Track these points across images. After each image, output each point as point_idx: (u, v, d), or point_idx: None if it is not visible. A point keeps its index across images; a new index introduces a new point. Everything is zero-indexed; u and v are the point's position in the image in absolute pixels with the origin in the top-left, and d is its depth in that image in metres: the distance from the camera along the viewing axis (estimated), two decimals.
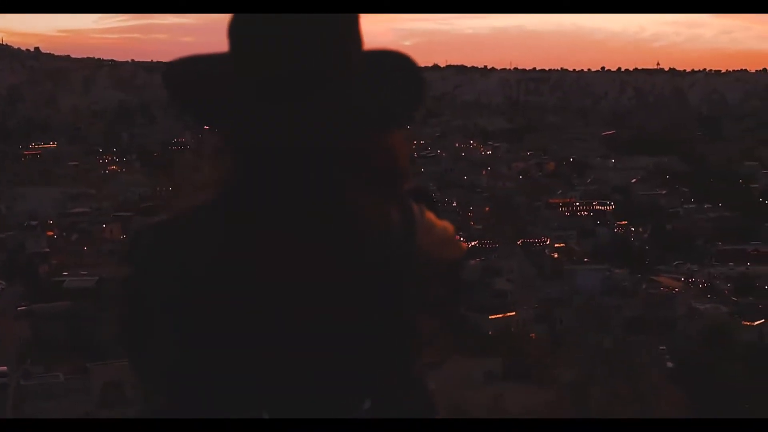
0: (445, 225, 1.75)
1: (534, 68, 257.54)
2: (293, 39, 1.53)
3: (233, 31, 1.59)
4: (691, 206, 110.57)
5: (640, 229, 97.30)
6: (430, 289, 1.64)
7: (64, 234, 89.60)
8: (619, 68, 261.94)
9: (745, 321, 63.56)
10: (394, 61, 1.63)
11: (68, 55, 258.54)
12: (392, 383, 1.60)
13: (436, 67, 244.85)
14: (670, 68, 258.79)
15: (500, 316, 58.78)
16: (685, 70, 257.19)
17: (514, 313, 60.50)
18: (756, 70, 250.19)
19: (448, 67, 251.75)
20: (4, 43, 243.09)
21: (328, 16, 1.55)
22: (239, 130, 1.57)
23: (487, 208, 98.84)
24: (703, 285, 79.96)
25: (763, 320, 64.51)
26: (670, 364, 53.58)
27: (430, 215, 1.70)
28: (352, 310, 1.57)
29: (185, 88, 1.63)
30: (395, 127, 1.62)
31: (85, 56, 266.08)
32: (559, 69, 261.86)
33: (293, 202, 1.56)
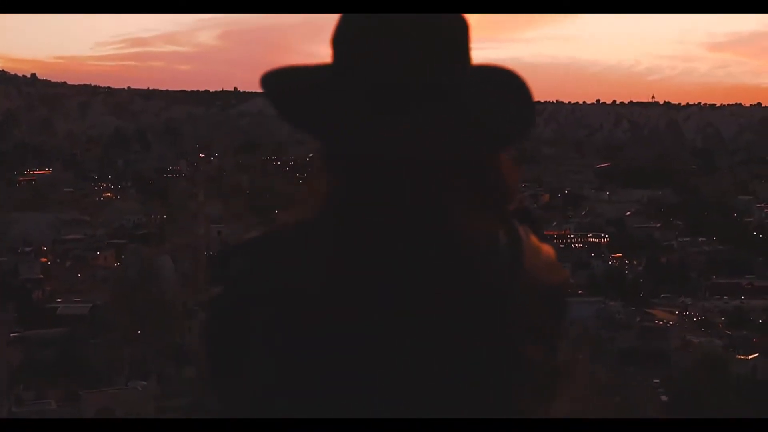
0: (548, 249, 1.66)
1: None
2: (405, 48, 1.47)
3: (342, 38, 1.53)
4: (685, 239, 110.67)
5: (635, 262, 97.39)
6: (536, 316, 1.56)
7: (58, 260, 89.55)
8: (614, 101, 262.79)
9: (739, 355, 63.51)
10: (505, 78, 1.57)
11: (64, 82, 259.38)
12: (496, 412, 1.52)
13: None
14: (665, 101, 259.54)
15: None
16: (679, 104, 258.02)
17: None
18: (750, 105, 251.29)
19: None
20: (0, 69, 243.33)
21: (439, 25, 1.49)
22: (347, 141, 1.48)
23: None
24: (697, 318, 79.95)
25: (757, 354, 64.42)
26: (664, 398, 53.51)
27: (535, 238, 1.63)
28: (459, 336, 1.49)
29: (290, 97, 1.53)
30: (505, 147, 1.56)
31: (81, 83, 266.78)
32: (555, 101, 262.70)
33: (400, 220, 1.49)
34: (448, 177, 1.49)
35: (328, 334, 1.46)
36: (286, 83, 1.54)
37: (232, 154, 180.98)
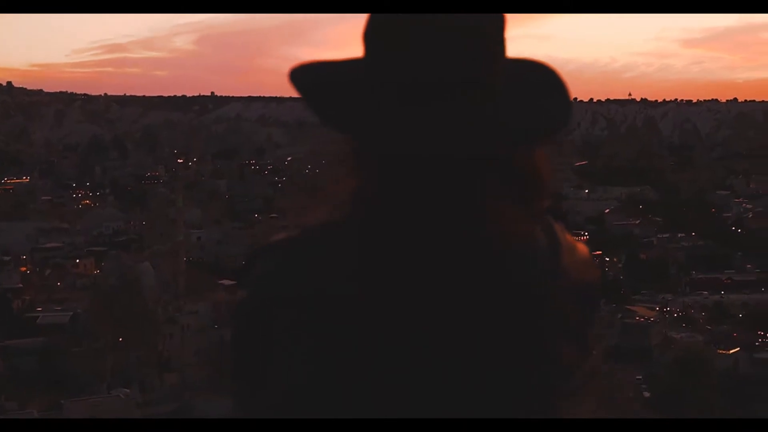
0: (582, 246, 1.62)
1: None
2: (439, 41, 1.43)
3: (374, 33, 1.48)
4: (664, 235, 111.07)
5: (615, 259, 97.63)
6: (572, 315, 1.54)
7: (38, 269, 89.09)
8: (591, 99, 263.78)
9: (720, 350, 63.79)
10: (541, 73, 1.53)
11: (41, 89, 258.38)
12: (532, 411, 1.50)
13: None
14: (641, 99, 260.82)
15: None
16: (656, 101, 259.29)
17: None
18: (726, 100, 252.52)
19: None
20: None
21: (473, 18, 1.46)
22: (379, 137, 1.44)
23: None
24: (677, 314, 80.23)
25: (738, 349, 64.74)
26: (646, 394, 53.68)
27: (569, 235, 1.59)
28: (497, 337, 1.46)
29: (321, 92, 1.49)
30: (541, 143, 1.52)
31: (57, 90, 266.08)
32: None
33: (436, 218, 1.45)
34: (484, 173, 1.47)
35: (360, 338, 1.42)
36: (316, 78, 1.50)
37: (210, 159, 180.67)
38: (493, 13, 1.49)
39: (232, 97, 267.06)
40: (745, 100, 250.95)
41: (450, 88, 1.43)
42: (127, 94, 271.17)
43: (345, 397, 1.42)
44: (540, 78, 1.53)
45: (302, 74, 1.50)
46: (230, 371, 1.54)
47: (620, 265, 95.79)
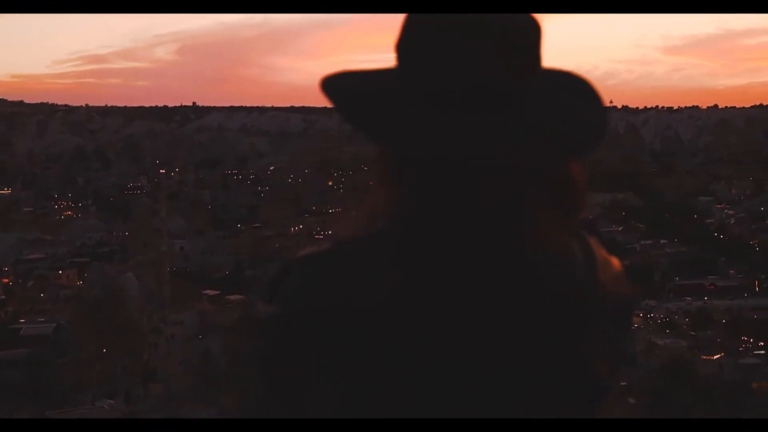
0: (616, 261, 1.60)
1: None
2: (475, 50, 1.41)
3: (409, 41, 1.46)
4: (647, 242, 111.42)
5: None
6: (607, 331, 1.52)
7: (20, 280, 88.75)
8: None
9: (704, 355, 63.99)
10: (577, 84, 1.51)
11: (21, 100, 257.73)
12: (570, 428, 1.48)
13: None
14: (623, 106, 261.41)
15: None
16: (638, 108, 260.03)
17: None
18: (707, 107, 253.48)
19: None
20: None
21: (510, 25, 1.44)
22: (416, 147, 1.40)
23: None
24: (661, 320, 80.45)
25: (721, 354, 64.95)
26: (631, 400, 53.73)
27: (603, 250, 1.57)
28: (534, 352, 1.44)
29: (356, 101, 1.46)
30: (578, 156, 1.49)
31: (38, 101, 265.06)
32: None
33: (475, 228, 1.42)
34: (523, 185, 1.44)
35: (400, 353, 1.38)
36: (349, 86, 1.47)
37: (193, 168, 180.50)
38: (532, 21, 1.46)
39: (214, 107, 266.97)
40: (726, 107, 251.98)
41: (489, 97, 1.41)
42: (109, 105, 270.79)
43: (391, 412, 1.39)
44: (576, 89, 1.51)
45: (334, 83, 1.47)
46: (256, 388, 1.48)
47: None
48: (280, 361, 1.43)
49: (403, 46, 1.47)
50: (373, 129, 1.43)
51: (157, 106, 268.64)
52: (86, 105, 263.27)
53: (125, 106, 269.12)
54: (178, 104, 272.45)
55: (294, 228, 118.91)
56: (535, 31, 1.46)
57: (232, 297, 74.19)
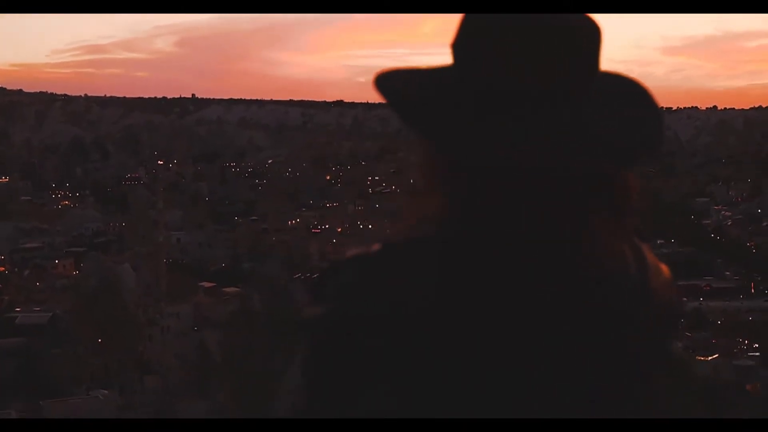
0: (665, 267, 1.60)
1: None
2: (533, 51, 1.40)
3: (465, 41, 1.45)
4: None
5: None
6: (657, 337, 1.52)
7: (17, 269, 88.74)
8: None
9: (699, 356, 63.98)
10: (634, 90, 1.49)
11: (20, 90, 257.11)
12: None
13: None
14: None
15: None
16: None
17: None
18: (706, 108, 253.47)
19: None
20: None
21: (569, 27, 1.42)
22: (471, 148, 1.38)
23: None
24: None
25: (716, 355, 64.96)
26: None
27: (653, 257, 1.56)
28: (588, 358, 1.42)
29: (411, 99, 1.44)
30: (634, 163, 1.47)
31: (37, 90, 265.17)
32: None
33: (529, 234, 1.40)
34: (582, 191, 1.42)
35: (453, 358, 1.36)
36: (404, 85, 1.45)
37: (191, 161, 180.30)
38: (592, 23, 1.44)
39: (213, 99, 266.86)
40: (725, 108, 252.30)
41: (548, 101, 1.39)
42: (108, 95, 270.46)
43: (444, 418, 1.37)
44: (634, 95, 1.49)
45: (388, 80, 1.45)
46: (300, 388, 1.43)
47: None
48: (327, 362, 1.39)
49: (459, 46, 1.45)
50: (428, 130, 1.42)
51: (156, 97, 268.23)
52: (85, 95, 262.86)
53: (124, 97, 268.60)
54: (177, 96, 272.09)
55: (291, 222, 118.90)
56: (596, 33, 1.44)
57: (228, 289, 74.24)
